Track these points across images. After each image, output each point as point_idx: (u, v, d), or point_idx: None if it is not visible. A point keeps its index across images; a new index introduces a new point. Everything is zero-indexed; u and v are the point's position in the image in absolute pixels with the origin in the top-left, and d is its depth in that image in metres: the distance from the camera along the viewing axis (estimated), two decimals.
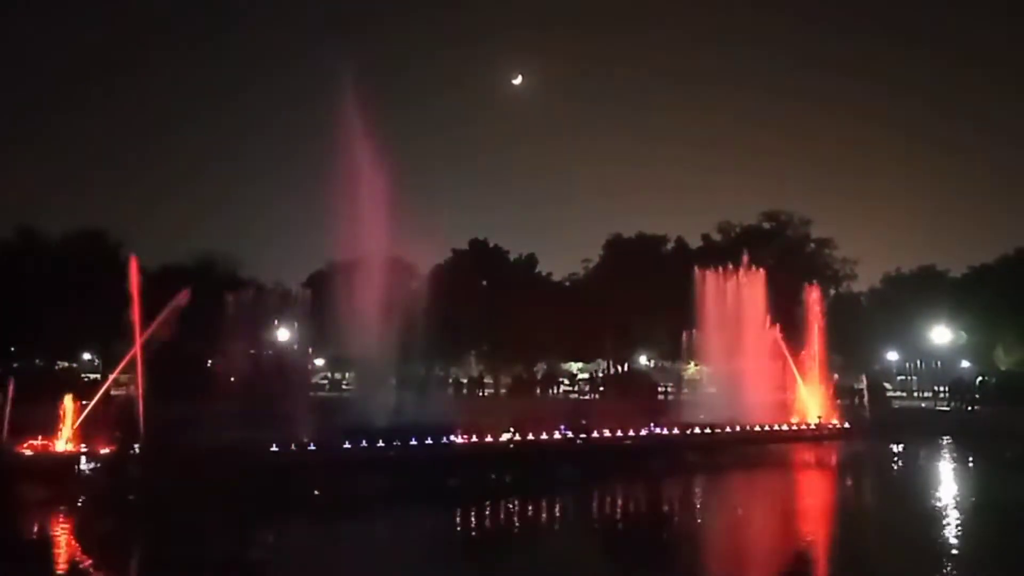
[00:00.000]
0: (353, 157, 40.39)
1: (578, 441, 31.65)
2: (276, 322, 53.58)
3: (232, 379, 37.66)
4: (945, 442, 38.81)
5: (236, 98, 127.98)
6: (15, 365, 63.04)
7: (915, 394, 65.48)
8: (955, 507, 23.29)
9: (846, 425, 40.42)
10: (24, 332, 55.49)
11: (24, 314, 53.28)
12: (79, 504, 22.75)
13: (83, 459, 24.82)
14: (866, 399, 48.82)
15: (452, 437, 29.78)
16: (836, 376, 49.14)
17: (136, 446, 26.12)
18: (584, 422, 33.31)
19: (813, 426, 39.60)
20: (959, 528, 20.16)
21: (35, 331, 55.29)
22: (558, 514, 23.60)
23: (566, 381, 74.63)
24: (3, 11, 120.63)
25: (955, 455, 36.20)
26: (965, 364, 67.32)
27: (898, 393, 64.62)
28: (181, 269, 60.59)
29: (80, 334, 58.98)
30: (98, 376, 64.29)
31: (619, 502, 25.27)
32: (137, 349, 29.31)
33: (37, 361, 62.29)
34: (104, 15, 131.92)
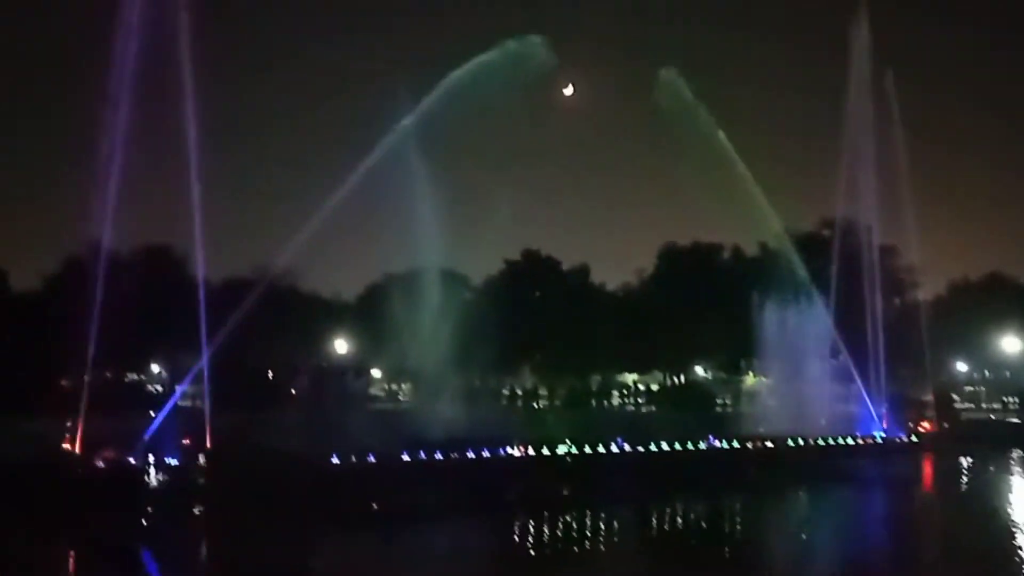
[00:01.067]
0: (409, 171, 40.96)
1: (635, 454, 31.41)
2: (335, 334, 54.40)
3: (293, 391, 38.37)
4: (1016, 455, 37.54)
5: (294, 112, 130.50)
6: (86, 378, 65.16)
7: (983, 405, 63.42)
8: None
9: (913, 439, 39.34)
10: (94, 345, 57.30)
11: (93, 328, 55.04)
12: (149, 514, 23.39)
13: (152, 470, 25.53)
14: (934, 411, 47.45)
15: (509, 449, 29.85)
16: (902, 388, 47.89)
17: (201, 457, 26.78)
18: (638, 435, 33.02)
19: (879, 440, 38.60)
20: None
21: (104, 344, 57.05)
22: (616, 528, 23.45)
23: (622, 392, 74.23)
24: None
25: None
26: None
27: (966, 404, 62.67)
28: (243, 282, 62.01)
29: (148, 347, 60.70)
30: (164, 388, 66.25)
31: (678, 518, 25.01)
32: (204, 362, 29.92)
33: (107, 374, 64.27)
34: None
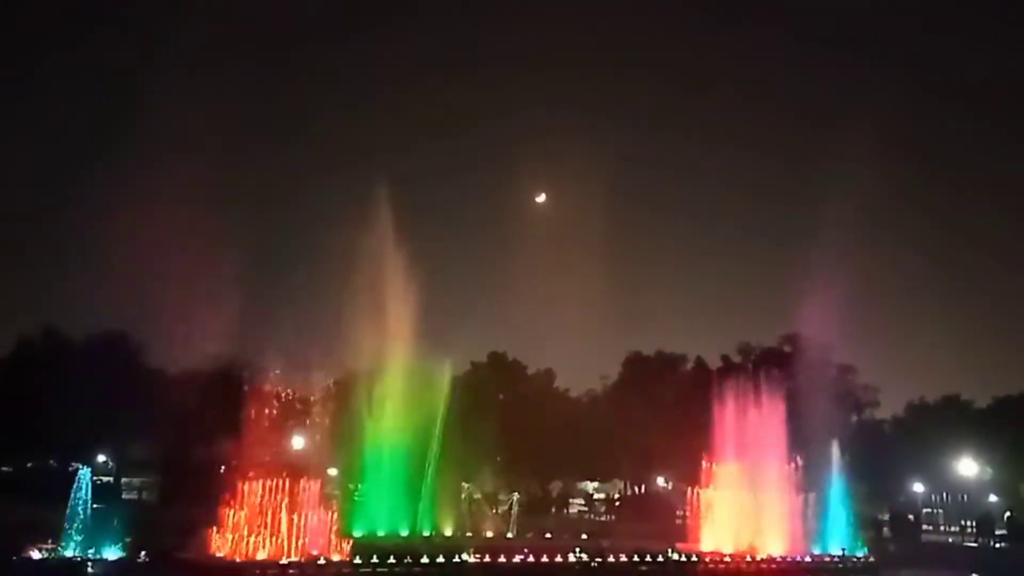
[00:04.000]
0: (376, 268, 41.38)
1: (593, 564, 30.86)
2: (292, 430, 53.38)
3: (246, 486, 37.30)
4: None
5: (258, 205, 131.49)
6: (29, 465, 62.89)
7: (942, 528, 63.42)
8: None
9: (871, 558, 39.06)
10: (42, 431, 55.55)
11: (43, 413, 53.54)
12: None
13: (90, 565, 24.51)
14: (891, 531, 47.38)
15: (464, 556, 29.18)
16: (861, 506, 47.83)
17: (143, 553, 25.80)
18: (602, 544, 32.58)
19: (837, 558, 38.28)
20: None
21: (52, 431, 55.37)
22: None
23: (581, 500, 73.04)
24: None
25: None
26: (993, 498, 65.39)
27: (925, 526, 62.60)
28: (199, 375, 61.07)
29: (96, 436, 58.96)
30: (111, 479, 63.95)
31: None
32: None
33: (51, 462, 62.06)
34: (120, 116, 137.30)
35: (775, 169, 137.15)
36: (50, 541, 25.42)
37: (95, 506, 27.75)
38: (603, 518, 65.25)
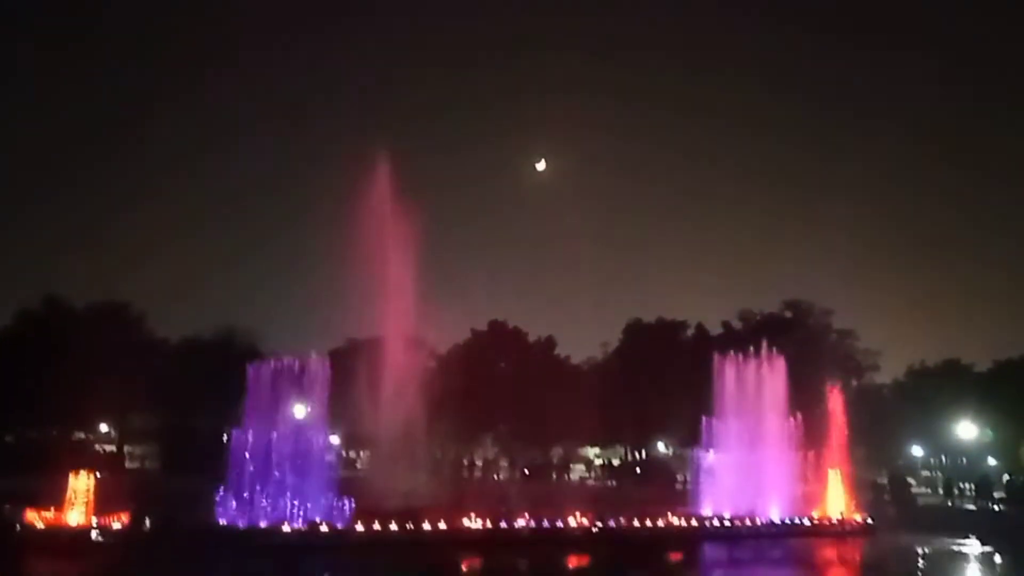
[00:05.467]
0: (379, 238, 41.23)
1: (594, 530, 31.05)
2: (293, 398, 53.55)
3: (247, 455, 37.49)
4: (971, 542, 37.62)
5: (263, 173, 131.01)
6: (31, 435, 63.27)
7: (940, 491, 63.85)
8: None
9: (869, 521, 39.34)
10: (43, 401, 55.80)
11: (44, 383, 53.72)
12: None
13: (94, 532, 24.67)
14: (890, 494, 47.66)
15: (466, 521, 29.35)
16: (859, 470, 48.11)
17: (148, 521, 25.96)
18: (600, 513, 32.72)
19: (835, 521, 38.57)
20: None
21: (54, 401, 55.63)
22: None
23: (583, 466, 73.48)
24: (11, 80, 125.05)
25: (983, 557, 35.04)
26: (991, 461, 65.79)
27: (923, 489, 63.02)
28: (201, 343, 61.14)
29: (98, 405, 59.22)
30: (114, 448, 64.37)
31: None
32: None
33: (54, 431, 62.45)
34: (124, 90, 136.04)
35: (775, 135, 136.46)
36: (53, 510, 25.57)
37: (98, 475, 27.88)
38: (604, 484, 65.69)
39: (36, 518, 25.24)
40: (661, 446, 77.37)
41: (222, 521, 27.59)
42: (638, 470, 65.56)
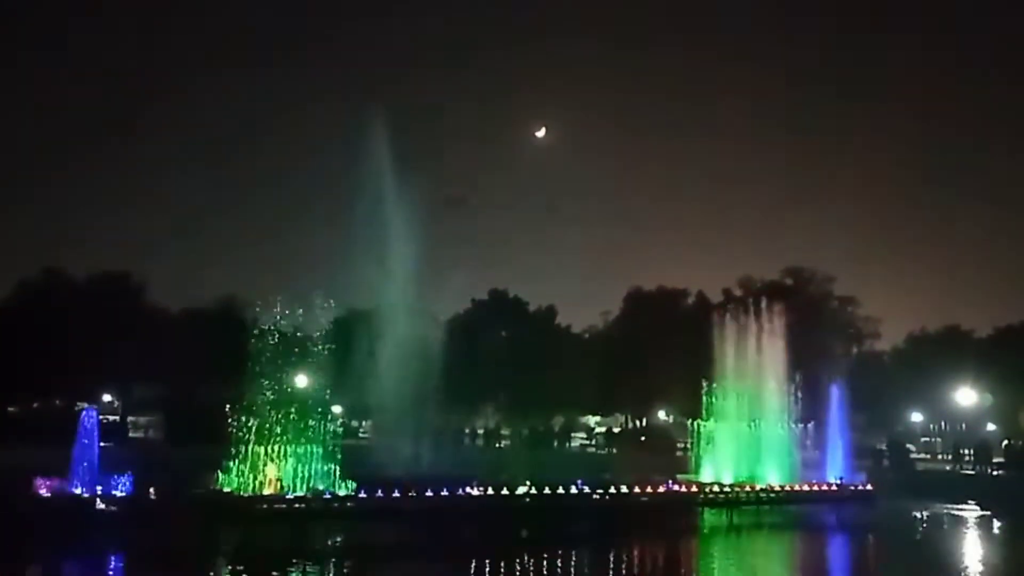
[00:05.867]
0: (379, 207, 41.09)
1: (594, 497, 31.23)
2: (295, 368, 53.67)
3: (250, 424, 37.69)
4: (970, 507, 37.94)
5: (261, 143, 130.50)
6: (35, 405, 63.53)
7: (939, 456, 64.24)
8: None
9: (868, 487, 39.60)
10: (46, 372, 55.95)
11: (47, 354, 53.81)
12: (95, 545, 22.62)
13: (98, 501, 24.79)
14: (889, 460, 47.97)
15: (468, 489, 29.50)
16: (859, 435, 48.36)
17: (152, 490, 26.07)
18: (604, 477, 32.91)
19: (834, 487, 38.82)
20: None
21: (57, 372, 55.78)
22: (572, 571, 23.22)
23: (583, 435, 73.83)
24: (31, 48, 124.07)
25: (981, 521, 35.36)
26: (991, 427, 66.11)
27: (922, 455, 63.41)
28: (202, 313, 61.13)
29: (100, 375, 59.39)
30: (117, 418, 64.66)
31: (635, 560, 24.83)
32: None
33: (57, 402, 62.71)
34: (129, 57, 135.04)
35: (776, 103, 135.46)
36: (57, 480, 25.68)
37: (102, 444, 27.96)
38: (604, 451, 66.04)
39: (41, 488, 25.35)
40: (662, 414, 77.77)
41: (227, 490, 27.73)
42: (643, 438, 65.83)
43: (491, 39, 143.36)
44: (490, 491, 29.64)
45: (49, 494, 25.07)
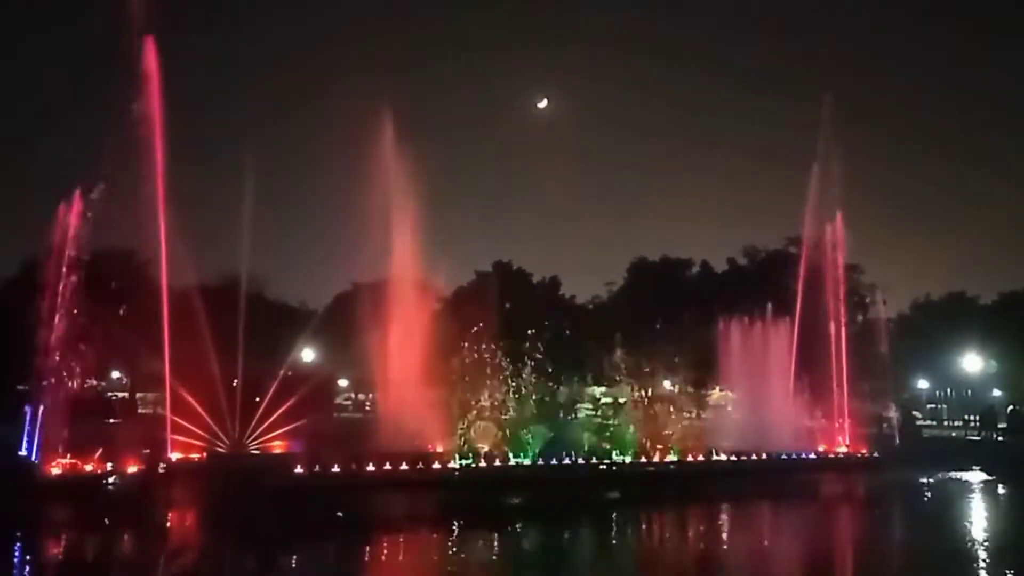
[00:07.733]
0: (381, 181, 40.90)
1: (602, 467, 31.50)
2: (301, 342, 53.89)
3: (257, 399, 37.87)
4: (976, 473, 38.07)
5: (265, 120, 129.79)
6: (43, 383, 63.76)
7: (945, 423, 64.41)
8: (988, 542, 22.77)
9: (875, 454, 39.78)
10: (53, 351, 56.05)
11: (53, 332, 53.87)
12: (106, 522, 22.83)
13: (111, 477, 25.03)
14: (895, 427, 48.10)
15: (475, 461, 29.75)
16: (864, 404, 48.46)
17: (162, 465, 26.32)
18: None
19: (841, 455, 39.01)
20: (992, 565, 19.67)
21: (64, 349, 55.86)
22: (567, 543, 23.40)
23: (589, 405, 73.81)
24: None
25: (986, 486, 35.49)
26: (996, 393, 66.17)
27: (928, 422, 63.57)
28: (208, 289, 61.07)
29: (109, 353, 59.50)
30: (126, 395, 64.96)
31: (641, 529, 25.06)
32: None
33: (66, 380, 62.86)
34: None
35: (779, 73, 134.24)
36: (68, 456, 25.90)
37: (112, 421, 28.22)
38: (609, 422, 66.24)
39: (53, 465, 25.58)
40: (667, 384, 77.87)
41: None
42: (650, 411, 65.98)
43: (495, 18, 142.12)
44: (496, 463, 29.90)
45: (60, 471, 25.29)
